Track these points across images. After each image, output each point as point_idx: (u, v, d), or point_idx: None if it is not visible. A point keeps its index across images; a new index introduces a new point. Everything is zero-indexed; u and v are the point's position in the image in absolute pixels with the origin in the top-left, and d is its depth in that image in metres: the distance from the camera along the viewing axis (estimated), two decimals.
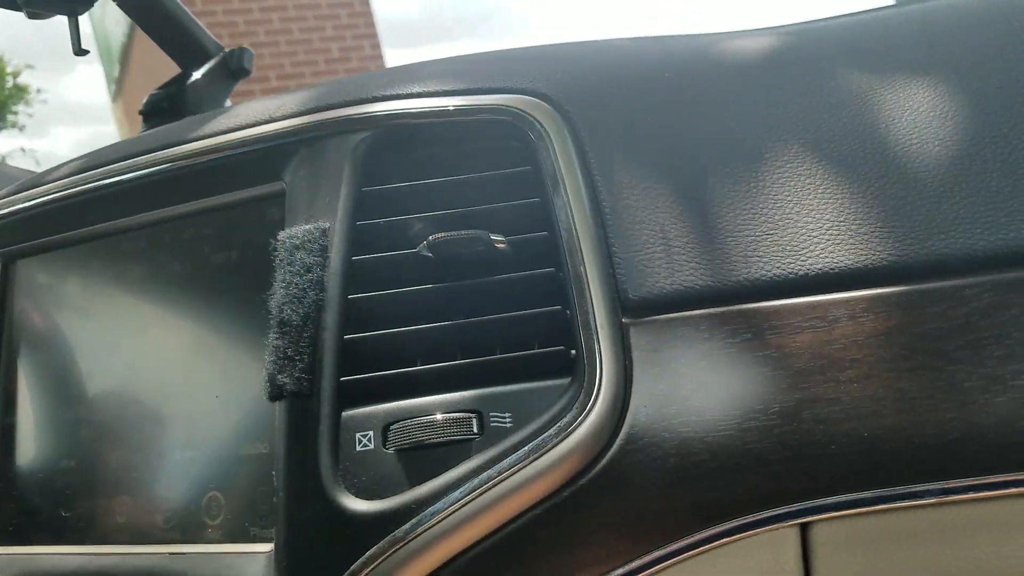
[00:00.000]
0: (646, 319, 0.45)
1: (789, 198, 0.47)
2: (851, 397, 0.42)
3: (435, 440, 0.46)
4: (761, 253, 0.45)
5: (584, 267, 0.47)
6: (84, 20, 0.84)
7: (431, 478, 0.45)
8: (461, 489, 0.44)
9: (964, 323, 0.42)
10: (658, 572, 0.44)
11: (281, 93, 0.62)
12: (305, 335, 0.49)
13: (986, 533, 0.43)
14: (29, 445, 0.66)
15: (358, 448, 0.47)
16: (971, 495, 0.42)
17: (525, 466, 0.44)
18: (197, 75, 0.91)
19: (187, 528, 0.56)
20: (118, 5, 0.87)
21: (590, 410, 0.44)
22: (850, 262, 0.44)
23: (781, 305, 0.44)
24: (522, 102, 0.52)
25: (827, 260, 0.44)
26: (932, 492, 0.42)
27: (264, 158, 0.57)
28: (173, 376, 0.60)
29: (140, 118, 0.94)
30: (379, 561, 0.45)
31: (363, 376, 0.49)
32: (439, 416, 0.46)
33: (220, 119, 0.61)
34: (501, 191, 0.52)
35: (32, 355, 0.68)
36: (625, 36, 0.62)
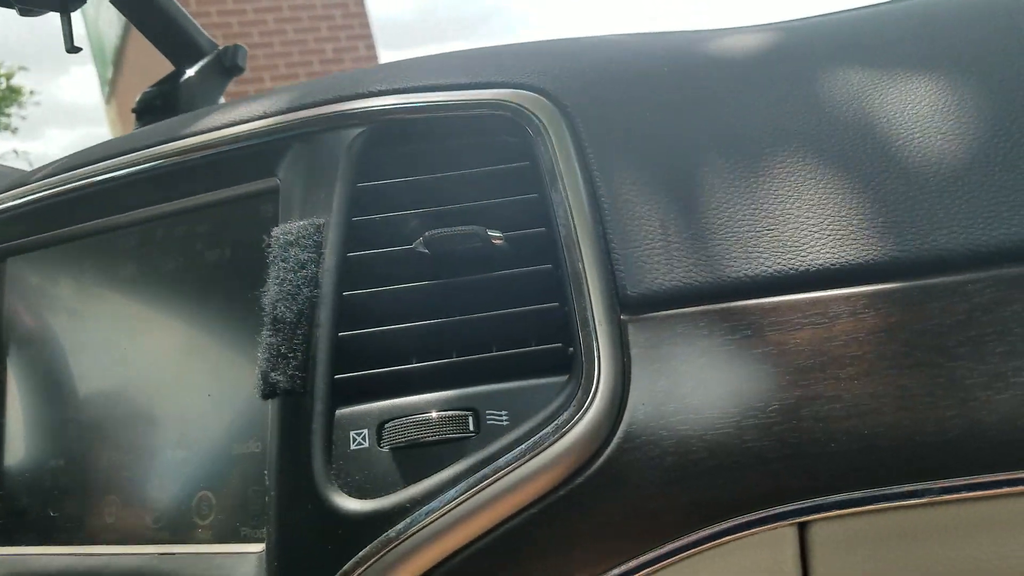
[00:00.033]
0: (645, 316, 0.45)
1: (789, 193, 0.46)
2: (851, 394, 0.42)
3: (430, 438, 0.45)
4: (761, 249, 0.45)
5: (582, 263, 0.46)
6: (78, 20, 0.83)
7: (426, 477, 0.45)
8: (456, 488, 0.44)
9: (966, 319, 0.42)
10: (656, 572, 0.43)
11: (275, 89, 0.62)
12: (299, 332, 0.49)
13: (986, 532, 0.42)
14: (18, 444, 0.65)
15: (352, 447, 0.47)
16: (971, 494, 0.41)
17: (521, 464, 0.43)
18: (191, 72, 0.91)
19: (177, 528, 0.55)
20: (111, 2, 0.86)
21: (588, 408, 0.43)
22: (851, 258, 0.44)
23: (781, 301, 0.44)
24: (520, 97, 0.52)
25: (828, 256, 0.44)
26: (932, 491, 0.41)
27: (258, 154, 0.57)
28: (165, 374, 0.59)
29: (133, 118, 0.93)
30: (372, 561, 0.44)
31: (358, 374, 0.48)
32: (435, 414, 0.46)
33: (213, 115, 0.61)
34: (498, 187, 0.52)
35: (22, 353, 0.67)
36: (624, 32, 0.62)
